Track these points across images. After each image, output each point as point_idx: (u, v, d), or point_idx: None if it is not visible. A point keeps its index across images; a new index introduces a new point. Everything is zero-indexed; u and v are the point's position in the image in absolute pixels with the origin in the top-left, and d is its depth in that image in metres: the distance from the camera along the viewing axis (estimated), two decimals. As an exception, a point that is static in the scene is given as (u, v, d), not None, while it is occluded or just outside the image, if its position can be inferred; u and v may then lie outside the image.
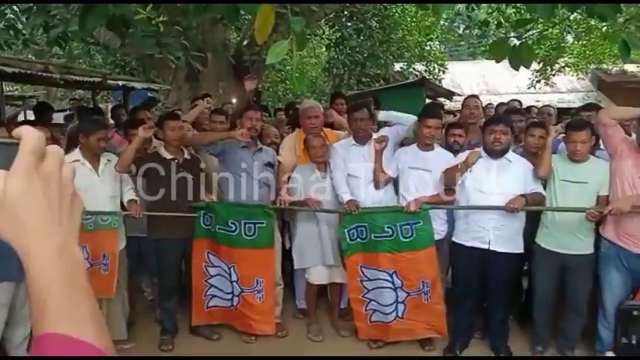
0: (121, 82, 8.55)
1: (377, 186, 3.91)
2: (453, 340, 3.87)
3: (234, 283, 3.99)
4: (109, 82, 8.25)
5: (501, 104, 6.20)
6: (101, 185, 3.66)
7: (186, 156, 3.94)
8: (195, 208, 3.91)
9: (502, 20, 9.11)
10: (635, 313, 0.59)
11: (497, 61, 3.45)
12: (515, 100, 6.39)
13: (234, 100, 8.62)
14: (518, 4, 7.61)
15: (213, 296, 4.06)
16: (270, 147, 4.32)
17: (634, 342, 0.59)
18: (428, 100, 8.43)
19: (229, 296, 4.04)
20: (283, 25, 4.88)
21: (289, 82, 14.15)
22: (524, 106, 6.20)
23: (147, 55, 7.08)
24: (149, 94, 9.66)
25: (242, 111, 4.08)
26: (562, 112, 6.61)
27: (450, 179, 3.70)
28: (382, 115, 4.12)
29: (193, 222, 3.91)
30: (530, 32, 10.79)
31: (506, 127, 3.64)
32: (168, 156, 3.85)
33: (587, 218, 3.40)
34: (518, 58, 3.36)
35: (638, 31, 3.15)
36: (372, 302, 3.89)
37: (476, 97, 4.82)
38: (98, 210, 3.61)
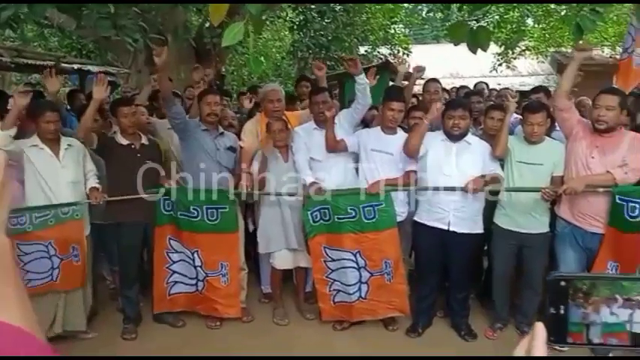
0: (76, 66, 8.25)
1: (329, 150, 3.86)
2: (416, 319, 3.95)
3: (199, 268, 3.96)
4: (64, 65, 7.95)
5: (462, 87, 6.28)
6: (62, 171, 3.57)
7: (144, 141, 3.86)
8: (155, 194, 3.83)
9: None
10: (563, 283, 0.62)
11: (456, 44, 3.48)
12: (482, 82, 6.47)
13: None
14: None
15: (176, 283, 4.02)
16: (228, 130, 4.26)
17: (562, 312, 0.62)
18: (392, 84, 8.46)
19: (193, 281, 4.01)
20: (243, 8, 4.78)
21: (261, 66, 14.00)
22: (490, 89, 6.28)
23: (103, 37, 6.86)
24: (108, 79, 9.38)
25: (200, 95, 4.00)
26: (523, 95, 6.75)
27: (414, 143, 3.67)
28: (361, 77, 3.90)
29: (153, 206, 3.84)
30: (491, 16, 10.94)
31: (465, 111, 3.69)
32: (125, 142, 3.77)
33: (542, 198, 3.50)
34: (475, 41, 3.40)
35: (592, 14, 3.21)
36: (336, 282, 3.93)
37: (436, 80, 4.86)
38: (61, 197, 3.53)
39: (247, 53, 13.53)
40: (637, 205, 3.34)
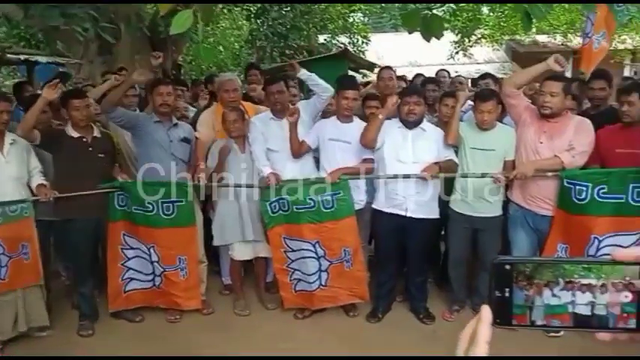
0: (23, 57, 7.92)
1: (295, 155, 3.91)
2: (376, 304, 4.01)
3: (155, 264, 3.89)
4: (10, 56, 7.62)
5: (418, 75, 6.35)
6: (7, 166, 3.45)
7: (96, 134, 3.75)
8: (109, 189, 3.74)
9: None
10: (507, 267, 0.65)
11: (410, 32, 3.51)
12: (444, 69, 6.54)
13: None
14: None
15: (132, 279, 3.95)
16: (181, 121, 4.18)
17: (507, 295, 0.64)
18: (351, 73, 8.49)
19: (150, 277, 3.95)
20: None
21: (211, 55, 13.76)
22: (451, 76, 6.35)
23: (52, 27, 6.59)
24: (60, 69, 9.05)
25: (152, 86, 3.91)
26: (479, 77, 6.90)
27: (370, 136, 3.71)
28: (303, 74, 4.02)
29: (105, 201, 3.75)
30: (447, 4, 11.08)
31: (419, 97, 3.75)
32: (76, 134, 3.65)
33: (495, 182, 3.59)
34: (429, 30, 3.44)
35: (540, 3, 3.29)
36: (297, 272, 3.95)
37: (390, 68, 4.89)
38: (3, 193, 3.40)
39: (207, 42, 13.32)
40: (584, 188, 3.46)
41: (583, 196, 3.46)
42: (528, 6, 3.33)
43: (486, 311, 0.63)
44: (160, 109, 3.85)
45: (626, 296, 0.61)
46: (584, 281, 0.62)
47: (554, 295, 0.64)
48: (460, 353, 0.62)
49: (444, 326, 3.87)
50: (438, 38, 3.48)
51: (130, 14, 7.97)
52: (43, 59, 8.14)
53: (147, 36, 8.26)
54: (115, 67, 7.35)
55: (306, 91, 5.08)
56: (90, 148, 3.67)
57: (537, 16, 3.32)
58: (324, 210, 3.82)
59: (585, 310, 0.62)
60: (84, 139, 3.67)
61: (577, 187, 3.47)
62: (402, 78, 5.79)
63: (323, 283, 3.93)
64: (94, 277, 3.90)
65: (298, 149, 3.89)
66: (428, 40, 3.48)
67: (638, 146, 3.34)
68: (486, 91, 3.89)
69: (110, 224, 3.82)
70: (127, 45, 8.21)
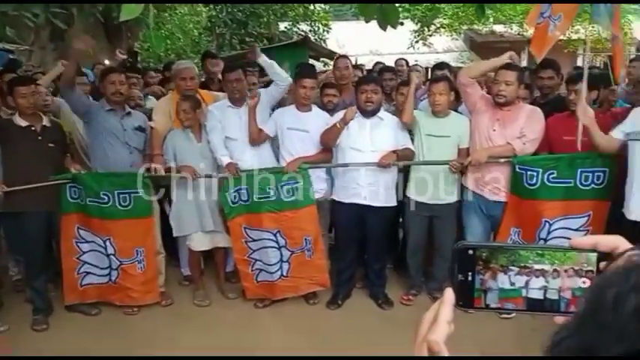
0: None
1: (253, 143, 3.88)
2: (336, 291, 4.06)
3: (112, 257, 3.81)
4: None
5: (378, 63, 6.39)
6: None
7: (45, 123, 3.62)
8: (60, 180, 3.63)
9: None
10: (470, 252, 0.67)
11: (367, 21, 3.53)
12: (402, 58, 6.59)
13: (107, 62, 8.03)
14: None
15: (88, 273, 3.86)
16: (135, 110, 4.09)
17: (469, 279, 0.66)
18: (311, 61, 8.47)
19: (106, 271, 3.87)
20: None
21: (170, 42, 13.46)
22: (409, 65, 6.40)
23: (0, 12, 6.30)
24: (10, 56, 8.67)
25: (104, 74, 3.80)
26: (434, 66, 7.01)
27: (329, 141, 3.79)
28: (263, 60, 4.00)
29: (57, 192, 3.64)
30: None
31: (377, 86, 3.79)
32: (24, 123, 3.52)
33: (450, 169, 3.67)
34: (384, 18, 3.47)
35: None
36: (258, 262, 3.94)
37: (346, 57, 4.90)
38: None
39: (165, 29, 13.00)
40: (535, 174, 3.59)
41: (534, 181, 3.59)
42: (481, -4, 3.42)
43: (449, 293, 0.65)
44: (113, 98, 3.75)
45: (584, 282, 0.63)
46: (538, 267, 0.64)
47: (509, 280, 0.66)
48: (422, 334, 0.64)
49: (402, 310, 3.95)
50: (395, 27, 3.52)
51: (83, -1, 7.69)
52: (-10, 46, 7.78)
53: (101, 22, 8.00)
54: (68, 53, 7.11)
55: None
56: (39, 138, 3.55)
57: (490, 5, 3.40)
58: (285, 199, 3.83)
59: (538, 295, 0.64)
60: (32, 128, 3.55)
61: (528, 173, 3.59)
62: (358, 67, 5.82)
63: (284, 274, 3.94)
64: (48, 271, 3.80)
65: (257, 136, 3.86)
66: (384, 29, 3.52)
67: (583, 133, 3.48)
68: (439, 75, 3.97)
69: (63, 217, 3.71)
70: (80, 31, 7.94)
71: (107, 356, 3.35)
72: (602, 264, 0.61)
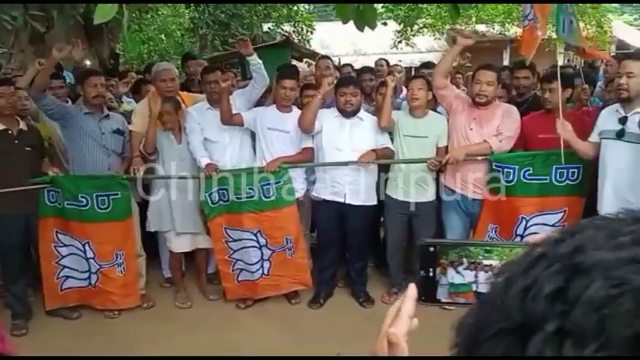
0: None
1: (224, 123, 3.84)
2: (318, 290, 4.09)
3: (91, 261, 3.79)
4: None
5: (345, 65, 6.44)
6: None
7: (22, 127, 3.60)
8: (38, 184, 3.60)
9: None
10: (432, 249, 0.69)
11: (344, 22, 3.56)
12: (383, 59, 6.63)
13: (87, 63, 7.96)
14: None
15: (68, 277, 3.83)
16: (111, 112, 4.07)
17: (431, 275, 0.69)
18: (294, 62, 8.48)
19: (86, 275, 3.84)
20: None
21: (153, 43, 13.40)
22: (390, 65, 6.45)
23: (-24, 15, 6.22)
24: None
25: (83, 77, 3.78)
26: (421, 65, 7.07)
27: (308, 120, 3.73)
28: (254, 58, 3.91)
29: (35, 196, 3.62)
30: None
31: (356, 88, 3.83)
32: (1, 127, 3.49)
33: (428, 168, 3.72)
34: (362, 19, 3.50)
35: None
36: (239, 262, 3.95)
37: (327, 58, 4.93)
38: None
39: (147, 30, 12.93)
40: (511, 171, 3.65)
41: (510, 177, 3.65)
42: (455, -3, 3.47)
43: (411, 289, 0.67)
44: (94, 101, 3.74)
45: None
46: (487, 262, 0.67)
47: (458, 274, 0.69)
48: (385, 328, 0.66)
49: (383, 308, 3.95)
50: (372, 28, 3.55)
51: (63, 1, 7.62)
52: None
53: (81, 24, 7.94)
54: (47, 56, 7.04)
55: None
56: (16, 141, 3.53)
57: (463, 5, 3.46)
58: (265, 199, 3.84)
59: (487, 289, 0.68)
60: (9, 132, 3.52)
61: (505, 170, 3.65)
62: (337, 68, 5.85)
63: (265, 272, 3.96)
64: (27, 276, 3.77)
65: (229, 117, 3.80)
66: (361, 30, 3.55)
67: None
68: (416, 74, 4.02)
69: (40, 220, 3.69)
70: (60, 33, 7.86)
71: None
72: None
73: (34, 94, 3.59)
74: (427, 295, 0.70)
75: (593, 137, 3.32)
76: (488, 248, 0.68)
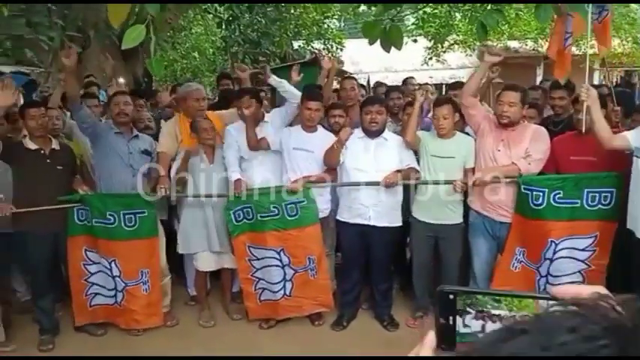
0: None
1: (251, 149, 3.91)
2: (341, 312, 4.04)
3: (117, 279, 3.84)
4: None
5: (378, 83, 6.41)
6: None
7: (55, 146, 3.70)
8: (68, 203, 3.69)
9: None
10: (451, 296, 0.67)
11: (371, 43, 3.56)
12: (411, 77, 6.63)
13: (121, 80, 8.19)
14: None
15: (96, 294, 3.90)
16: (144, 132, 4.17)
17: (450, 322, 0.67)
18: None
19: (112, 293, 3.89)
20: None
21: (186, 60, 13.70)
22: (419, 82, 6.43)
23: (17, 35, 6.49)
24: (30, 78, 8.91)
25: (110, 97, 3.88)
26: (448, 86, 7.03)
27: (331, 161, 3.82)
28: (273, 80, 4.07)
29: (65, 214, 3.70)
30: (416, 12, 11.20)
31: (381, 107, 3.81)
32: (33, 146, 3.61)
33: (454, 189, 3.65)
34: (388, 40, 3.50)
35: (495, 13, 3.36)
36: (261, 281, 3.94)
37: (352, 78, 4.94)
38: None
39: (182, 47, 13.24)
40: (540, 194, 3.54)
41: (540, 201, 3.54)
42: (482, 16, 3.42)
43: (430, 336, 0.66)
44: (118, 119, 3.84)
45: None
46: (495, 312, 0.65)
47: (465, 325, 0.66)
48: None
49: (407, 332, 3.90)
50: (399, 49, 3.54)
51: (99, 22, 7.89)
52: (7, 69, 7.98)
53: (116, 44, 8.19)
54: (83, 75, 7.27)
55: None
56: (48, 161, 3.63)
57: (491, 25, 3.41)
58: (289, 218, 3.84)
59: None
60: (42, 151, 3.63)
61: (534, 193, 3.54)
62: (362, 86, 5.85)
63: (287, 293, 3.94)
64: (55, 291, 3.84)
65: (255, 143, 3.88)
66: (387, 51, 3.55)
67: (590, 153, 3.43)
68: (441, 97, 3.97)
69: (70, 240, 3.76)
70: (96, 52, 8.14)
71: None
72: None
73: (70, 106, 3.70)
74: (447, 342, 0.68)
75: (624, 134, 3.23)
76: (497, 297, 0.65)
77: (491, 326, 0.64)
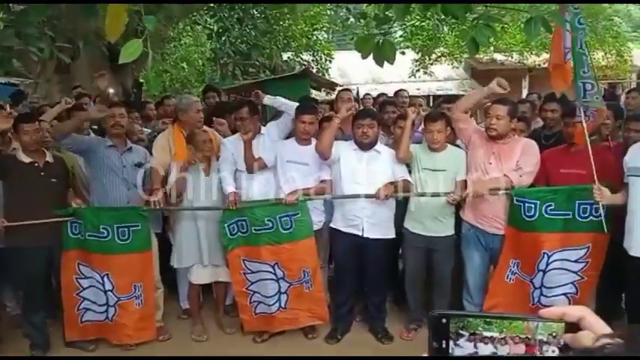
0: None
1: (249, 171, 3.93)
2: (335, 325, 4.03)
3: (109, 293, 3.80)
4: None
5: (381, 94, 6.46)
6: None
7: (48, 159, 3.68)
8: (61, 217, 3.65)
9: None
10: (444, 320, 0.69)
11: (364, 57, 3.59)
12: (403, 90, 6.67)
13: (110, 91, 8.15)
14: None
15: (87, 310, 3.85)
16: (137, 144, 4.16)
17: (444, 346, 0.69)
18: (313, 91, 8.57)
19: (103, 308, 3.84)
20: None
21: (175, 71, 13.69)
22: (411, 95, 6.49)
23: (6, 47, 6.43)
24: (18, 89, 8.83)
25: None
26: (443, 99, 7.10)
27: (325, 142, 3.77)
28: (267, 99, 4.13)
29: (58, 228, 3.66)
30: (405, 26, 11.32)
31: (373, 120, 3.83)
32: (27, 159, 3.57)
33: (447, 202, 3.68)
34: (381, 54, 3.54)
35: (485, 29, 3.42)
36: (256, 294, 3.93)
37: (348, 90, 4.97)
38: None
39: (170, 58, 13.23)
40: (532, 206, 3.59)
41: (532, 212, 3.58)
42: (474, 32, 3.48)
43: None
44: (113, 131, 3.82)
45: (553, 351, 0.64)
46: (487, 334, 0.66)
47: (457, 346, 0.68)
48: None
49: (402, 345, 3.91)
50: (391, 63, 3.58)
51: (89, 32, 7.85)
52: (-4, 80, 7.91)
53: (106, 54, 8.15)
54: (72, 85, 7.23)
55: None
56: (42, 173, 3.60)
57: (482, 41, 3.47)
58: (283, 231, 3.84)
59: None
60: (35, 164, 3.60)
61: (526, 205, 3.59)
62: (357, 99, 5.89)
63: (282, 305, 3.92)
64: (46, 306, 3.79)
65: (252, 166, 3.91)
66: (381, 65, 3.57)
67: (580, 167, 3.49)
68: (435, 113, 4.02)
69: (64, 253, 3.73)
70: (85, 63, 8.08)
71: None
72: (566, 336, 0.62)
73: (55, 137, 3.73)
74: None
75: (626, 178, 3.28)
76: (487, 320, 0.67)
77: (482, 348, 0.66)
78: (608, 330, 0.60)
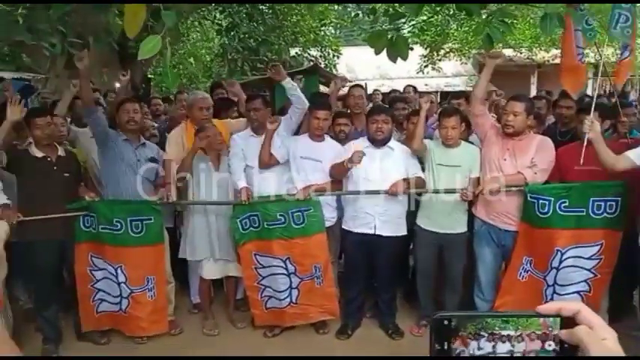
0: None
1: (262, 166, 3.90)
2: (345, 320, 4.03)
3: (122, 285, 3.82)
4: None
5: (393, 91, 6.44)
6: None
7: (61, 153, 3.69)
8: (75, 211, 3.67)
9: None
10: (446, 322, 0.69)
11: (377, 53, 3.58)
12: (410, 85, 6.65)
13: (117, 85, 8.17)
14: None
15: (102, 301, 3.87)
16: (150, 141, 4.17)
17: (446, 348, 0.69)
18: (321, 86, 8.53)
19: (117, 299, 3.87)
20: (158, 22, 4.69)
21: (182, 67, 13.68)
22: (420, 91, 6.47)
23: (18, 41, 6.45)
24: (27, 83, 8.86)
25: (118, 104, 3.88)
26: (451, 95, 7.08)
27: (337, 175, 3.84)
28: (288, 82, 4.01)
29: (71, 222, 3.68)
30: (415, 21, 11.25)
31: (387, 116, 3.82)
32: (39, 154, 3.58)
33: (460, 198, 3.66)
34: (394, 50, 3.52)
35: (501, 25, 3.40)
36: (268, 289, 3.94)
37: (360, 86, 4.96)
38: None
39: (178, 53, 13.21)
40: (546, 202, 3.57)
41: (546, 209, 3.57)
42: (489, 28, 3.46)
43: None
44: (127, 126, 3.83)
45: (550, 345, 0.65)
46: (504, 332, 0.67)
47: (479, 347, 0.68)
48: None
49: (412, 341, 3.90)
50: (404, 59, 3.56)
51: (99, 28, 7.87)
52: (7, 75, 7.93)
53: (115, 50, 8.17)
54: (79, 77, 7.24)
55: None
56: (54, 168, 3.61)
57: (497, 38, 3.45)
58: (295, 226, 3.83)
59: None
60: (48, 159, 3.61)
61: (540, 201, 3.57)
62: (369, 97, 5.88)
63: (294, 300, 3.93)
64: (58, 300, 3.81)
65: (267, 160, 3.88)
66: (394, 61, 3.56)
67: (595, 163, 3.47)
68: (450, 108, 4.00)
69: (77, 246, 3.74)
70: (95, 58, 8.10)
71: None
72: (562, 332, 0.65)
73: (85, 107, 3.73)
74: None
75: (627, 154, 3.25)
76: (504, 319, 0.67)
77: (501, 347, 0.67)
78: (604, 324, 0.62)
